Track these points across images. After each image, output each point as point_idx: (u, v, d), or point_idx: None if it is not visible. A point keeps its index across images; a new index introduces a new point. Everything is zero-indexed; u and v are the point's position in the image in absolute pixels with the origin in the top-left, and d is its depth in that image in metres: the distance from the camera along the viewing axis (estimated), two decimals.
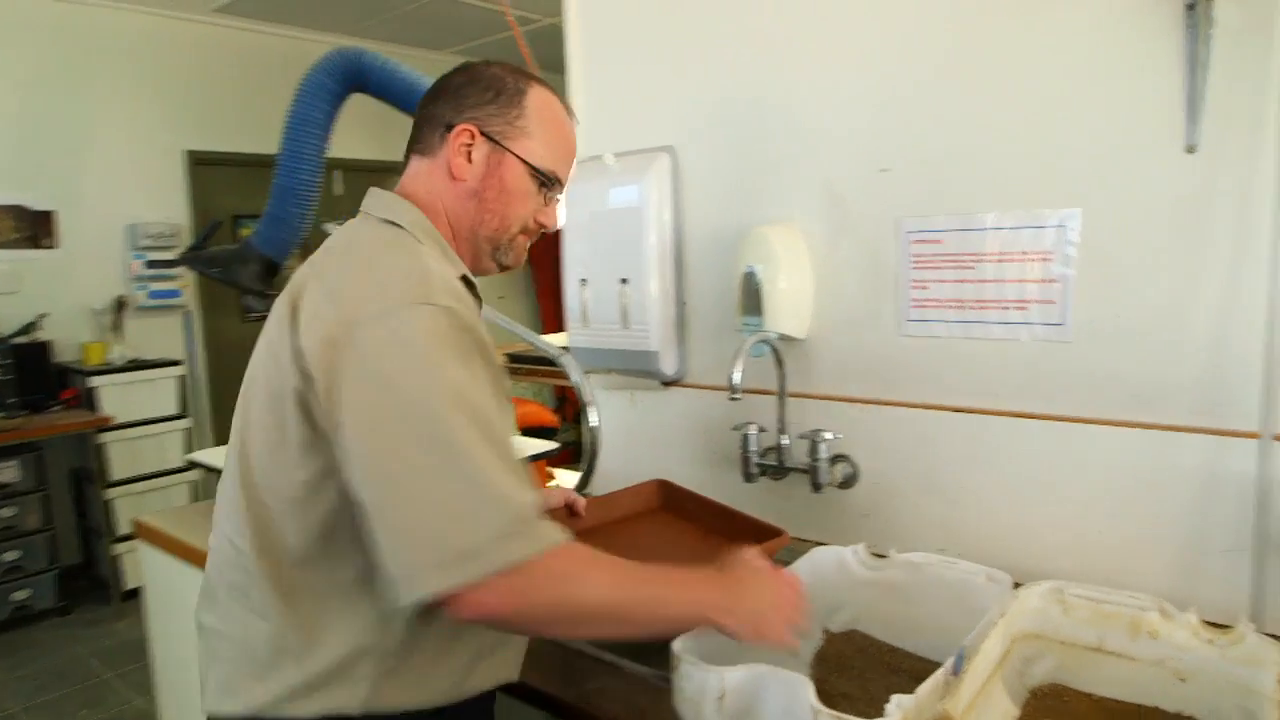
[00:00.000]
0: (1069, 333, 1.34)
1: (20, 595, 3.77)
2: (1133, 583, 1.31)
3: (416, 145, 1.11)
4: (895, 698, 0.85)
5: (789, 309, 1.59)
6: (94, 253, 4.28)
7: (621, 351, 1.84)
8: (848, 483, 1.60)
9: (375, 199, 1.10)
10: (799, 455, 1.60)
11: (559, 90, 1.17)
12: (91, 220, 4.29)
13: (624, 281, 1.80)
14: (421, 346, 0.88)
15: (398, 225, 1.04)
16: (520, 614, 0.88)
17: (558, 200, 1.15)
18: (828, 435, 1.54)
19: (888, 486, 1.56)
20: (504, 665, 1.07)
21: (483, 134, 1.06)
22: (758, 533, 1.38)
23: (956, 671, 0.93)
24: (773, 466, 1.63)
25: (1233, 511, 1.24)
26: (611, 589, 0.93)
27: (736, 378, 1.44)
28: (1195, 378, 1.25)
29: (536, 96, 1.10)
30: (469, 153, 1.06)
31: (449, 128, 1.07)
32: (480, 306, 1.09)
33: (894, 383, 1.54)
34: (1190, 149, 1.21)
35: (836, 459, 1.60)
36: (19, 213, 4.08)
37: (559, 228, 1.19)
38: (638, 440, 1.96)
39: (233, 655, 1.00)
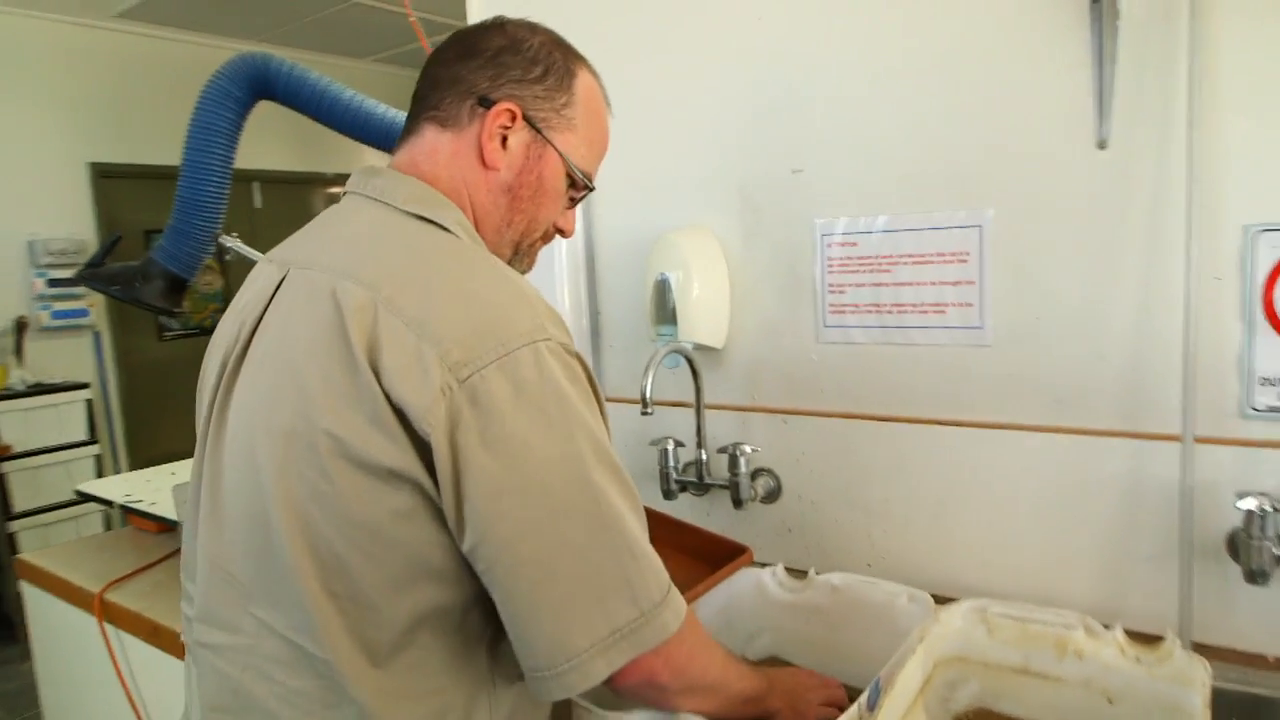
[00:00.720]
0: (988, 336, 1.30)
1: None
2: (1060, 594, 1.27)
3: (434, 111, 0.91)
4: None
5: (704, 317, 1.52)
6: None
7: None
8: (770, 497, 1.53)
9: (394, 184, 0.88)
10: (719, 470, 1.53)
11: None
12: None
13: None
14: (552, 396, 0.74)
15: (446, 230, 0.85)
16: (677, 679, 0.82)
17: (577, 205, 1.00)
18: (747, 449, 1.48)
19: (811, 500, 1.50)
20: None
21: (525, 119, 0.90)
22: (719, 550, 1.26)
23: (872, 706, 0.87)
24: (692, 482, 1.55)
25: (1158, 517, 1.20)
26: (722, 666, 0.90)
27: (647, 391, 1.36)
28: (1115, 380, 1.21)
29: (585, 82, 0.95)
30: (505, 138, 0.89)
31: (484, 102, 0.89)
32: None
33: (814, 392, 1.48)
34: (1101, 145, 1.17)
35: (758, 473, 1.54)
36: None
37: (571, 236, 1.04)
38: None
39: None
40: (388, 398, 0.73)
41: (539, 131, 0.91)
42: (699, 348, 1.55)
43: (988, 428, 1.31)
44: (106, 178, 4.52)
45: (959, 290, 1.31)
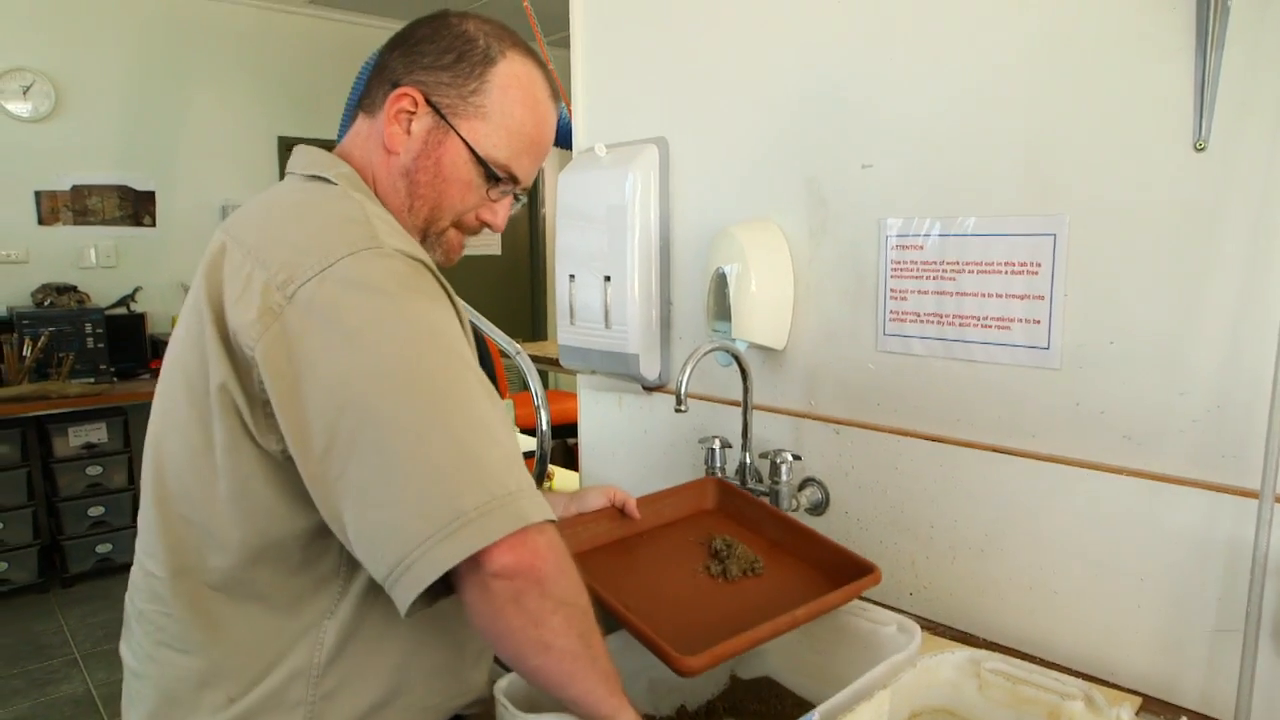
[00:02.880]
0: (1055, 358, 1.16)
1: (104, 549, 3.99)
2: (1105, 658, 1.12)
3: (366, 99, 0.96)
4: None
5: (761, 315, 1.45)
6: (189, 231, 4.49)
7: (603, 353, 1.74)
8: (817, 509, 1.45)
9: (302, 156, 0.94)
10: (766, 475, 1.46)
11: (553, 68, 1.02)
12: (188, 200, 4.50)
13: (607, 279, 1.69)
14: (383, 289, 0.75)
15: (326, 180, 0.89)
16: (552, 583, 0.75)
17: (510, 198, 0.99)
18: (789, 456, 1.40)
19: (857, 517, 1.41)
20: (465, 683, 0.95)
21: (428, 103, 0.91)
22: (845, 566, 1.06)
23: None
24: (737, 484, 1.49)
25: (1229, 584, 1.03)
26: (587, 609, 0.80)
27: (683, 387, 1.31)
28: (1194, 420, 1.05)
29: (508, 70, 0.93)
30: (409, 122, 0.91)
31: (394, 86, 0.91)
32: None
33: (869, 403, 1.38)
34: (1199, 146, 1.01)
35: (806, 483, 1.45)
36: (124, 192, 4.32)
37: (501, 229, 1.03)
38: (622, 444, 1.85)
39: (150, 695, 0.88)
40: (224, 321, 0.79)
41: (442, 116, 0.91)
42: (757, 348, 1.48)
43: (1046, 460, 1.17)
44: (291, 150, 4.89)
45: (1026, 305, 1.18)
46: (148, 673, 0.88)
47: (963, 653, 0.92)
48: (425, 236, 0.96)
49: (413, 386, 0.74)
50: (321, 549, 0.82)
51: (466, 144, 0.92)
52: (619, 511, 1.22)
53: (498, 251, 5.81)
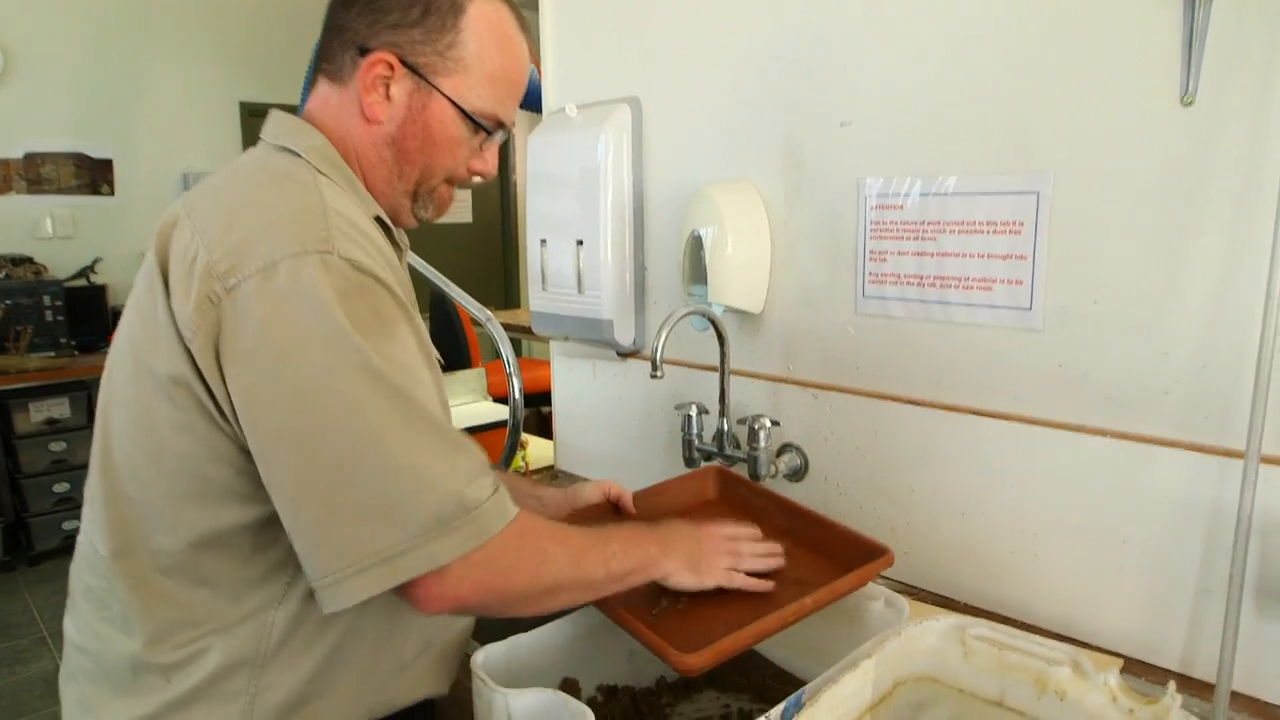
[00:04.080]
0: (1037, 319, 1.13)
1: (70, 525, 3.92)
2: (1086, 621, 1.12)
3: (325, 64, 0.89)
4: None
5: (738, 279, 1.42)
6: (149, 200, 4.37)
7: (576, 318, 1.70)
8: (796, 475, 1.43)
9: (275, 123, 0.89)
10: (744, 441, 1.44)
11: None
12: (147, 169, 4.38)
13: (579, 243, 1.65)
14: (322, 308, 0.71)
15: (293, 153, 0.83)
16: (483, 600, 0.78)
17: (497, 143, 0.95)
18: (766, 422, 1.37)
19: (837, 482, 1.39)
20: (422, 679, 0.91)
21: (405, 65, 0.85)
22: (854, 549, 1.02)
23: None
24: (714, 452, 1.47)
25: (1213, 545, 1.02)
26: (571, 562, 0.84)
27: (659, 353, 1.28)
28: (1177, 381, 1.03)
29: (479, 15, 0.87)
30: (387, 88, 0.86)
31: (362, 51, 0.85)
32: (402, 255, 0.93)
33: (848, 367, 1.35)
34: (1186, 101, 0.99)
35: (784, 449, 1.43)
36: (80, 160, 4.19)
37: (493, 175, 0.99)
38: (597, 412, 1.82)
39: (90, 670, 0.85)
40: (169, 303, 0.75)
41: (423, 77, 0.86)
42: (733, 312, 1.45)
43: (1028, 423, 1.16)
44: (254, 116, 4.77)
45: (1009, 265, 1.15)
46: (90, 649, 0.85)
47: (947, 620, 0.91)
48: (416, 197, 0.92)
49: (339, 421, 0.71)
50: (275, 537, 0.79)
51: (452, 102, 0.87)
52: (614, 507, 1.18)
53: (469, 219, 5.73)
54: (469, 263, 5.66)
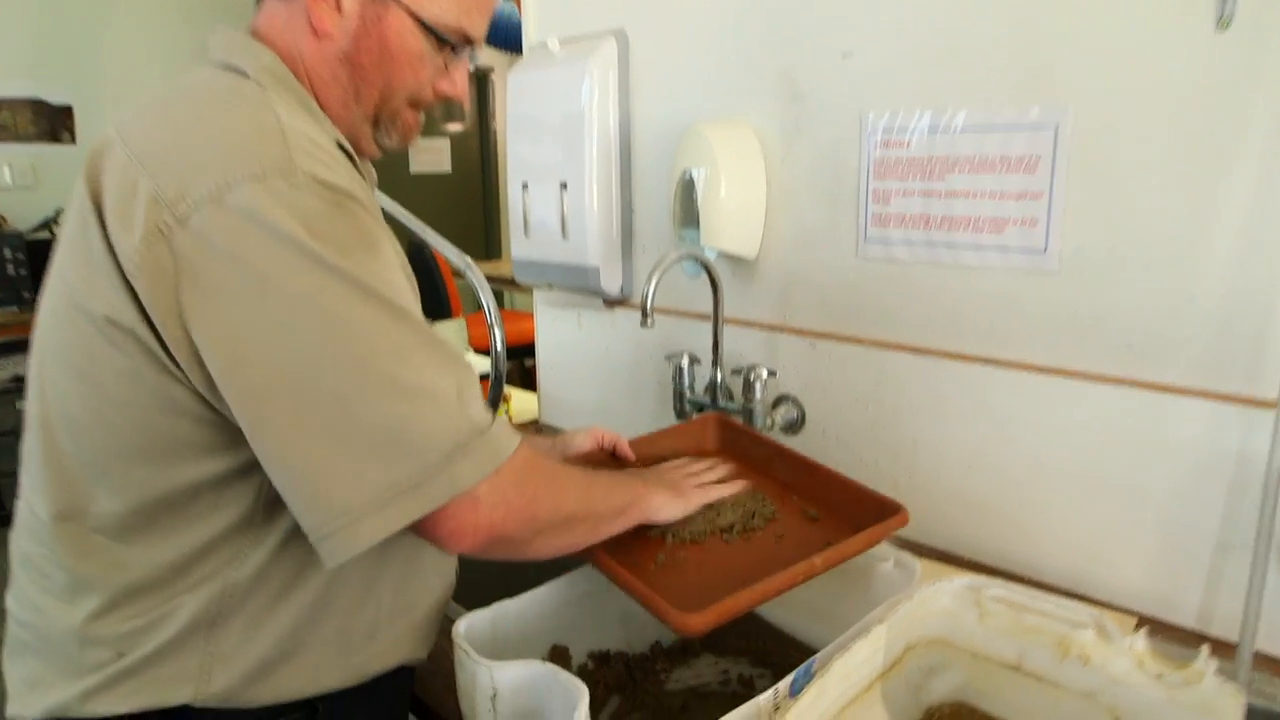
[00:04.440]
0: (1052, 262, 1.07)
1: None
2: (1097, 577, 1.07)
3: None
4: None
5: (732, 222, 1.34)
6: None
7: (561, 265, 1.62)
8: (792, 428, 1.37)
9: (220, 40, 0.78)
10: (738, 393, 1.38)
11: None
12: (110, 116, 4.19)
13: (563, 186, 1.56)
14: (294, 231, 0.62)
15: (241, 72, 0.74)
16: (514, 530, 0.73)
17: (466, 62, 0.86)
18: (763, 372, 1.31)
19: (836, 435, 1.33)
20: (398, 645, 0.83)
21: None
22: (867, 506, 0.94)
23: (795, 693, 0.72)
24: (707, 404, 1.40)
25: (1238, 498, 0.97)
26: (581, 491, 0.82)
27: (649, 299, 1.21)
28: (1202, 326, 0.97)
29: None
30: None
31: None
32: (370, 189, 0.84)
33: (848, 315, 1.28)
34: (1223, 24, 0.91)
35: (780, 400, 1.37)
36: (38, 107, 4.00)
37: (463, 98, 0.89)
38: (583, 364, 1.75)
39: (33, 644, 0.77)
40: (107, 237, 0.66)
41: None
42: (727, 257, 1.38)
43: (1041, 371, 1.10)
44: None
45: (1022, 204, 1.08)
46: (32, 623, 0.77)
47: (961, 580, 0.85)
48: (377, 122, 0.83)
49: (334, 348, 0.64)
50: (237, 493, 0.71)
51: (410, 12, 0.78)
52: (609, 455, 1.10)
53: (448, 169, 5.58)
54: (448, 214, 5.51)
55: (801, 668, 0.73)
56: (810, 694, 0.69)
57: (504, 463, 0.70)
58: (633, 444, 1.10)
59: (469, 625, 0.79)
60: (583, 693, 0.68)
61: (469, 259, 1.44)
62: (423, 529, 0.69)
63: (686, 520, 0.94)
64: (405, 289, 0.70)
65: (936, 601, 0.85)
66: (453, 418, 0.67)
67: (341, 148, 0.74)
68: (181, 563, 0.71)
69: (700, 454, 1.14)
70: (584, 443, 1.09)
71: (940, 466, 1.21)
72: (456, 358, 0.70)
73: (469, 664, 0.74)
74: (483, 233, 5.82)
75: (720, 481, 1.01)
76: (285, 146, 0.65)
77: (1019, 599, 0.82)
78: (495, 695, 0.73)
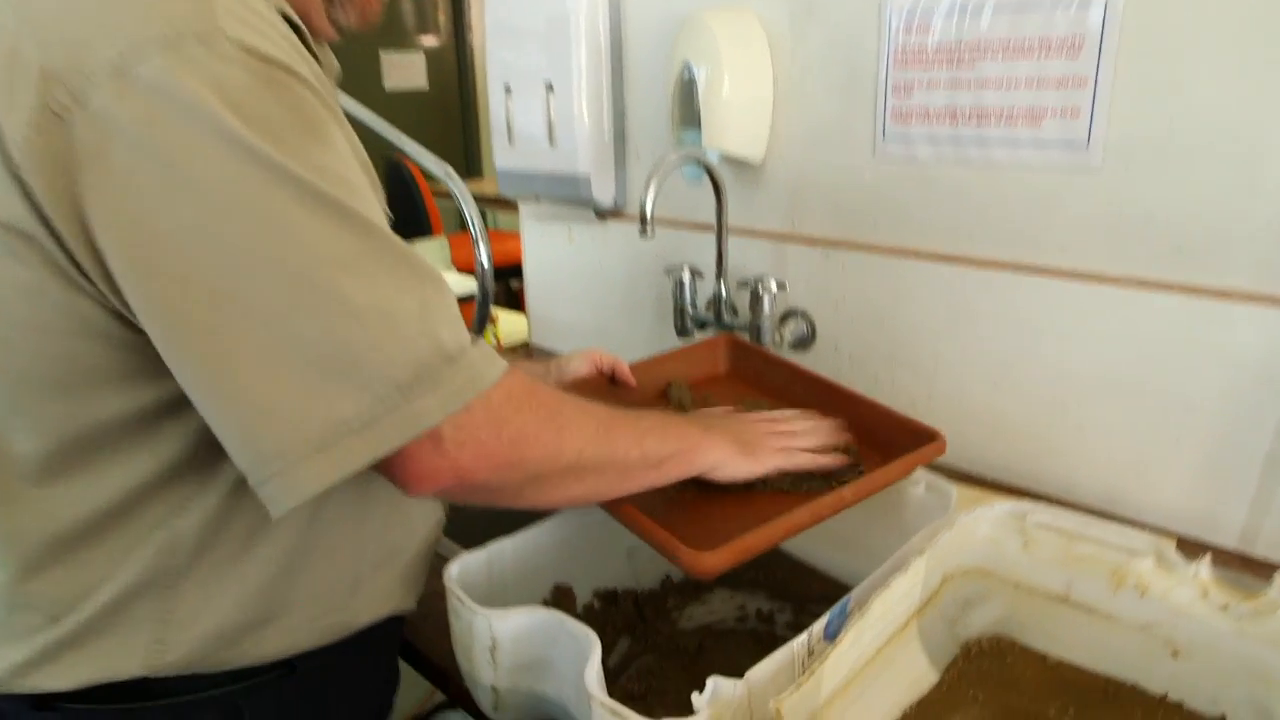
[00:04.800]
0: (1096, 156, 0.97)
1: None
2: (1131, 496, 1.00)
3: None
4: (712, 682, 0.57)
5: (737, 122, 1.22)
6: None
7: (548, 175, 1.50)
8: (801, 344, 1.28)
9: None
10: (743, 308, 1.28)
11: None
12: None
13: (549, 88, 1.44)
14: (217, 110, 0.50)
15: None
16: (491, 475, 0.61)
17: None
18: (772, 285, 1.21)
19: (849, 352, 1.24)
20: (383, 596, 0.75)
21: None
22: (901, 433, 0.85)
23: (831, 635, 0.65)
24: (710, 321, 1.31)
25: None
26: (599, 433, 0.68)
27: (648, 207, 1.10)
28: (1264, 225, 0.88)
29: None
30: None
31: None
32: (330, 76, 0.71)
33: (864, 221, 1.18)
34: None
35: (788, 315, 1.28)
36: None
37: None
38: (574, 282, 1.65)
39: None
40: None
41: None
42: (731, 161, 1.27)
43: (1077, 278, 1.01)
44: None
45: (1063, 94, 0.98)
46: None
47: (1003, 505, 0.78)
48: None
49: (266, 256, 0.52)
50: (173, 429, 0.61)
51: None
52: (608, 379, 1.00)
53: (424, 85, 5.35)
54: (425, 133, 5.25)
55: (836, 607, 0.65)
56: (849, 637, 0.62)
57: (478, 396, 0.57)
58: (634, 369, 1.01)
59: (462, 568, 0.71)
60: (594, 642, 0.60)
61: (449, 167, 1.32)
62: (383, 472, 0.58)
63: None
64: (360, 188, 0.57)
65: (976, 529, 0.78)
66: (414, 342, 0.55)
67: (289, 20, 0.62)
68: (115, 509, 0.61)
69: (709, 379, 1.05)
70: (580, 367, 0.99)
71: (964, 384, 1.13)
72: (422, 269, 0.58)
73: (464, 613, 0.66)
74: (462, 151, 5.62)
75: (812, 451, 0.83)
76: (207, 4, 0.52)
77: (1068, 525, 0.75)
78: (495, 647, 0.66)
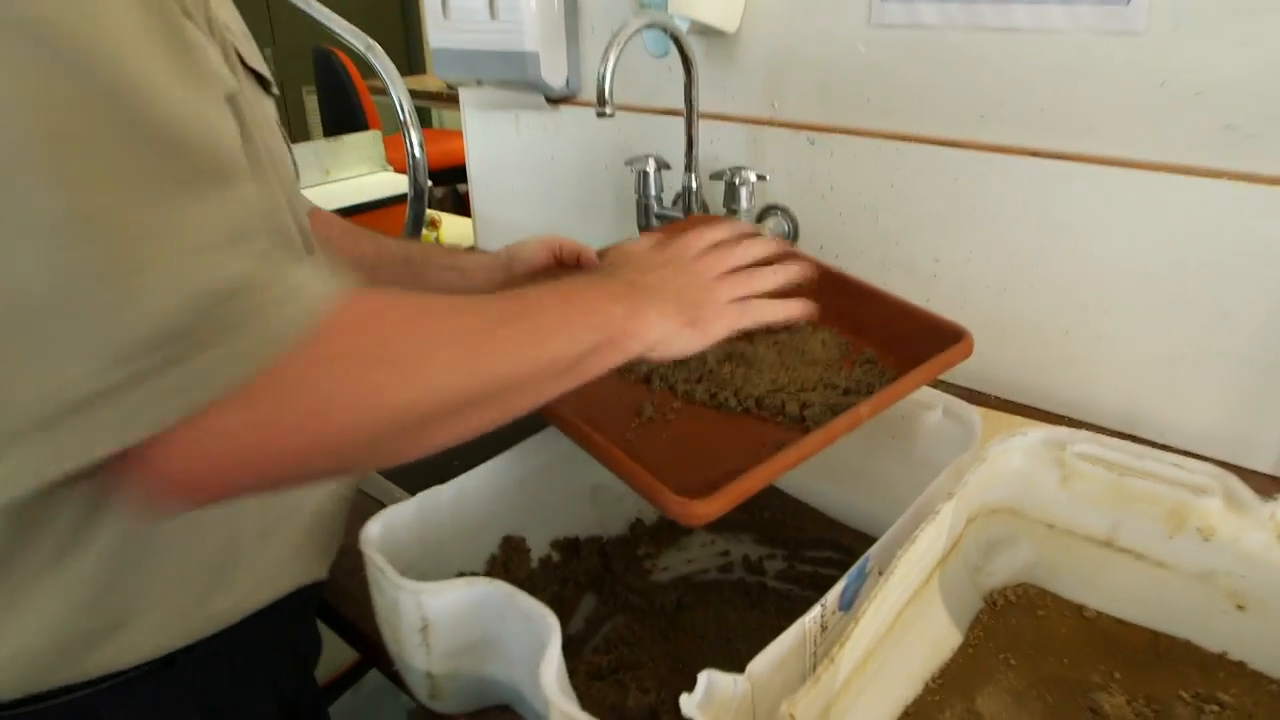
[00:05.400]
0: (1138, 18, 0.82)
1: None
2: (1155, 415, 0.90)
3: None
4: (705, 678, 0.44)
5: None
6: None
7: (491, 54, 1.31)
8: None
9: None
10: (715, 203, 1.13)
11: None
12: None
13: None
14: None
15: None
16: (290, 469, 0.42)
17: None
18: (750, 176, 1.06)
19: (835, 252, 1.10)
20: (277, 571, 0.60)
21: None
22: (925, 333, 0.71)
23: (847, 605, 0.52)
24: (678, 218, 1.15)
25: None
26: (467, 349, 0.46)
27: (606, 81, 0.93)
28: None
29: None
30: None
31: None
32: None
33: (856, 101, 1.02)
34: None
35: (768, 211, 1.13)
36: None
37: None
38: (523, 176, 1.47)
39: None
40: None
41: None
42: (701, 32, 1.09)
43: (1106, 164, 0.87)
44: None
45: None
46: None
47: (1038, 433, 0.65)
48: None
49: None
50: None
51: None
52: (572, 270, 0.82)
53: None
54: (359, 20, 4.92)
55: (854, 570, 0.52)
56: (871, 608, 0.49)
57: (279, 357, 0.39)
58: (600, 255, 0.83)
59: (385, 528, 0.56)
60: (552, 628, 0.47)
61: (371, 40, 1.13)
62: (112, 476, 0.39)
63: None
64: (136, 46, 0.38)
65: (1007, 461, 0.66)
66: (161, 282, 0.36)
67: None
68: None
69: None
70: (534, 255, 0.82)
71: (967, 288, 1.00)
72: (199, 169, 0.39)
73: (387, 588, 0.52)
74: (402, 42, 5.24)
75: (771, 295, 0.62)
76: None
77: (1118, 457, 0.63)
78: (427, 628, 0.52)
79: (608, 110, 0.94)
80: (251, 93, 0.54)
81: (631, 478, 0.56)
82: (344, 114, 3.29)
